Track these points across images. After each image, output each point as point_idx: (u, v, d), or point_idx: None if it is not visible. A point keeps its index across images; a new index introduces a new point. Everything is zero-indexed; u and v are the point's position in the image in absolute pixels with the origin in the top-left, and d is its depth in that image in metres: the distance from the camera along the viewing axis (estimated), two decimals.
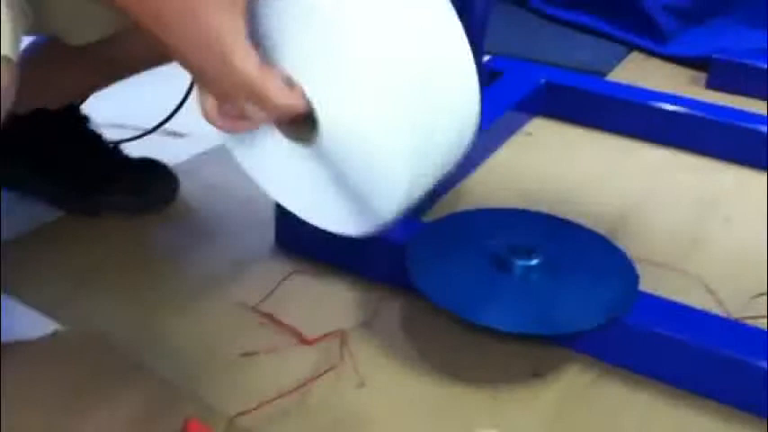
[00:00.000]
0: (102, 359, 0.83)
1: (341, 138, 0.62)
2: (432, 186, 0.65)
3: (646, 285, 0.87)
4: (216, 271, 0.97)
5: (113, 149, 1.10)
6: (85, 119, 1.10)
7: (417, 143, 0.59)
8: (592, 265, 0.90)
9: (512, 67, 1.39)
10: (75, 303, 0.90)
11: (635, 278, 0.87)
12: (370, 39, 0.57)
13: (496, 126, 1.26)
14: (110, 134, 1.13)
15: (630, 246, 0.96)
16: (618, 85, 1.40)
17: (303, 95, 0.61)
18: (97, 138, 1.10)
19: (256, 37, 0.61)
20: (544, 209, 1.00)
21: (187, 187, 1.11)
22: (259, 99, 0.60)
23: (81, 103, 1.09)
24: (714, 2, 1.60)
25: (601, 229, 0.97)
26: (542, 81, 1.36)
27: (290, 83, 0.61)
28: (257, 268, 0.97)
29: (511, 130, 1.31)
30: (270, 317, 0.88)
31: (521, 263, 0.86)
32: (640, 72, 1.58)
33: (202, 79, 0.62)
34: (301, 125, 0.63)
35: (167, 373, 0.81)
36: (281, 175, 0.70)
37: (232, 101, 0.61)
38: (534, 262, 0.87)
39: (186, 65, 0.61)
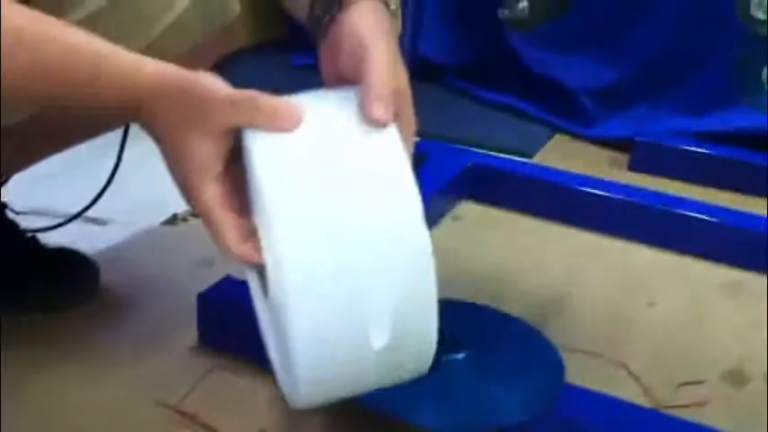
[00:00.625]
0: None
1: (276, 305, 0.61)
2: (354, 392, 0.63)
3: (572, 375, 0.86)
4: (137, 368, 0.93)
5: (30, 240, 1.07)
6: (2, 206, 1.07)
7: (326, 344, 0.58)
8: (518, 357, 0.89)
9: (438, 150, 1.39)
10: None
11: (561, 369, 0.86)
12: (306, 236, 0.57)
13: (424, 211, 1.25)
14: (27, 222, 1.10)
15: (557, 333, 0.96)
16: (545, 169, 1.42)
17: (259, 250, 0.61)
18: (14, 228, 1.07)
19: (248, 179, 0.62)
20: (472, 296, 1.00)
21: (109, 277, 1.08)
22: (214, 239, 0.62)
23: None
24: (635, 86, 1.65)
25: (528, 316, 0.97)
26: (469, 164, 1.37)
27: (252, 234, 0.61)
28: (179, 364, 0.94)
29: (439, 214, 1.32)
30: (191, 417, 0.85)
31: (447, 356, 0.85)
32: (564, 153, 1.61)
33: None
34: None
35: None
36: (260, 308, 0.69)
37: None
38: (461, 355, 0.86)
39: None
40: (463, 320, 0.94)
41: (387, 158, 0.59)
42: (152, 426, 0.85)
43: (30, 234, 1.08)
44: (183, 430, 0.84)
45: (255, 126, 0.60)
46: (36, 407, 0.87)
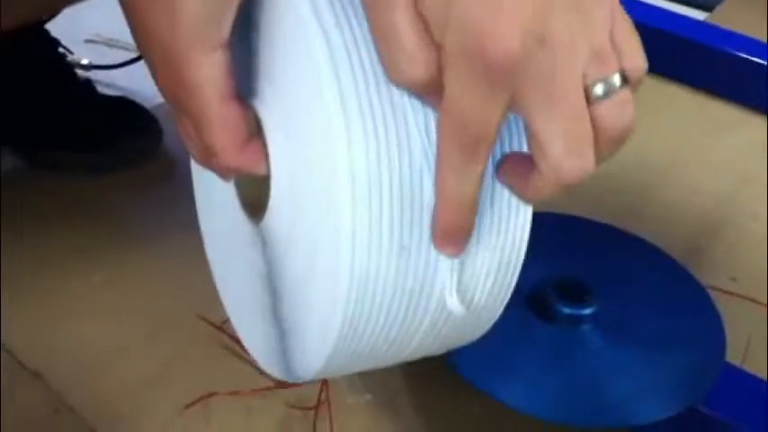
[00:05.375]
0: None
1: (287, 234, 0.41)
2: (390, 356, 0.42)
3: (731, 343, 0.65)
4: (179, 266, 0.77)
5: (85, 86, 0.90)
6: (53, 43, 0.89)
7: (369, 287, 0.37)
8: (666, 319, 0.68)
9: None
10: None
11: (721, 345, 0.65)
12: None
13: None
14: (87, 53, 0.93)
15: (709, 266, 0.78)
16: (726, 34, 1.12)
17: (263, 157, 0.40)
18: (66, 70, 0.90)
19: (241, 45, 0.40)
20: (605, 201, 0.80)
21: (172, 137, 0.91)
22: (194, 134, 0.40)
23: (46, 21, 0.88)
24: None
25: (680, 240, 0.78)
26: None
27: (253, 131, 0.40)
28: None
29: None
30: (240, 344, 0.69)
31: (568, 311, 0.65)
32: (752, 10, 1.30)
33: (145, 58, 0.41)
34: (257, 185, 0.42)
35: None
36: (220, 236, 0.50)
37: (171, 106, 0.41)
38: (588, 311, 0.65)
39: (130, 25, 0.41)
40: (595, 255, 0.73)
41: None
42: (190, 349, 0.71)
43: (85, 78, 0.91)
44: (228, 360, 0.70)
45: None
46: (38, 307, 0.73)
